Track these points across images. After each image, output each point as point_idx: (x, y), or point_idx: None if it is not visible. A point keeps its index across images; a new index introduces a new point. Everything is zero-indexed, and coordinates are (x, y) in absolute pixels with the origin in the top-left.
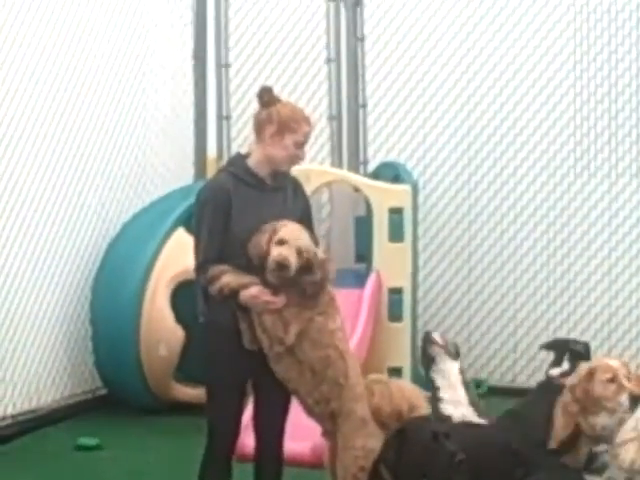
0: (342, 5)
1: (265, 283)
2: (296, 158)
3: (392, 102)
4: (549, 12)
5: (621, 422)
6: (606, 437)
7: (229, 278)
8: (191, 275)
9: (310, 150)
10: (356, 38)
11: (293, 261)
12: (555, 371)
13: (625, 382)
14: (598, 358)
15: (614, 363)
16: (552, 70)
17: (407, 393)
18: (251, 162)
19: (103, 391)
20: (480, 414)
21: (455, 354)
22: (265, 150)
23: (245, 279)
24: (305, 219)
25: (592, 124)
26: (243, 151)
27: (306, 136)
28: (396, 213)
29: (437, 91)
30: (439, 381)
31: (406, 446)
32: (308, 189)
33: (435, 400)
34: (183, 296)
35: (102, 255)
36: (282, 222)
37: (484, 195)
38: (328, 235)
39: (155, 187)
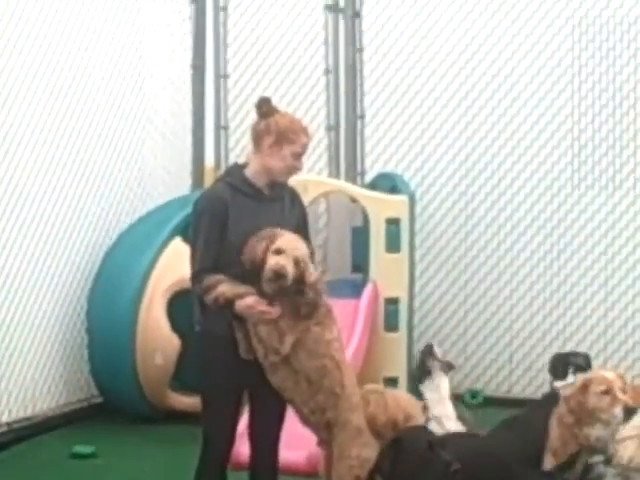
0: (341, 16)
1: (261, 293)
2: (294, 169)
3: (390, 113)
4: (547, 25)
5: (615, 434)
6: (601, 448)
7: (225, 288)
8: (187, 284)
9: (308, 161)
10: (354, 49)
11: (290, 271)
12: (560, 383)
13: (619, 394)
14: (594, 370)
15: (609, 375)
16: (550, 82)
17: (402, 403)
18: (249, 172)
19: (99, 399)
20: (469, 429)
21: (447, 369)
22: (263, 160)
23: (241, 289)
24: (302, 229)
25: (590, 136)
26: (241, 161)
27: (304, 147)
28: (393, 224)
29: (435, 102)
30: (428, 394)
31: (401, 456)
32: (305, 199)
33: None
34: (179, 305)
35: (99, 264)
36: (279, 231)
37: (481, 206)
38: (325, 245)
39: (152, 196)
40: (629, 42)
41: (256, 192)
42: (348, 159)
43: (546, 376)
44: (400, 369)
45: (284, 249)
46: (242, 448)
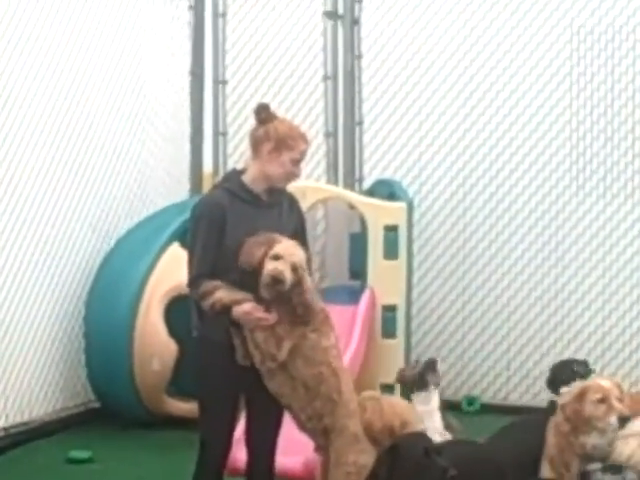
0: (340, 23)
1: (258, 299)
2: (292, 175)
3: (388, 120)
4: (546, 33)
5: (612, 442)
6: (598, 456)
7: (222, 294)
8: (185, 290)
9: (306, 167)
10: (353, 56)
11: (288, 276)
12: (565, 389)
13: (615, 403)
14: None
15: (606, 383)
16: (549, 90)
17: (399, 409)
18: (247, 178)
19: (96, 404)
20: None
21: (438, 384)
22: (262, 167)
23: (238, 295)
24: (300, 235)
25: (588, 144)
26: (239, 167)
27: (303, 153)
28: (391, 230)
29: (433, 109)
30: (419, 407)
31: (398, 462)
32: (304, 206)
33: None
34: (177, 311)
35: (97, 269)
36: (277, 237)
37: (479, 213)
38: (323, 251)
39: (150, 202)
40: (627, 50)
41: (254, 198)
42: (346, 166)
43: (543, 384)
44: None
45: (282, 255)
46: (239, 454)
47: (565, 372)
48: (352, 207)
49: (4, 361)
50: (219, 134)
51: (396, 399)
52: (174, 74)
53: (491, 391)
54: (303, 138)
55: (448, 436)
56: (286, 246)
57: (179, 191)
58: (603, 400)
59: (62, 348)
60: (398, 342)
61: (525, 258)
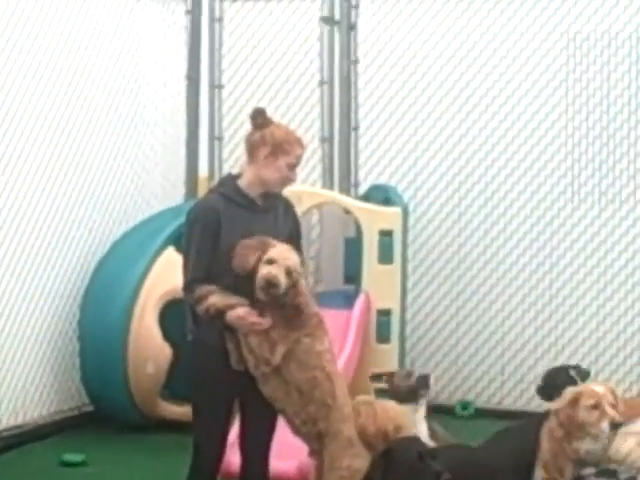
0: (336, 29)
1: (252, 304)
2: (288, 180)
3: (384, 125)
4: (543, 39)
5: (605, 447)
6: (591, 461)
7: (216, 298)
8: (180, 294)
9: (302, 172)
10: (349, 61)
11: (282, 280)
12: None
13: (607, 409)
14: (585, 383)
15: (599, 389)
16: (544, 96)
17: (392, 414)
18: (242, 183)
19: (89, 408)
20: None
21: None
22: (258, 171)
23: (232, 300)
24: (294, 239)
25: (583, 150)
26: (234, 172)
27: (299, 158)
28: (386, 235)
29: (429, 115)
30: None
31: (392, 466)
32: (299, 210)
33: None
34: (171, 314)
35: (91, 272)
36: (271, 241)
37: (474, 219)
38: (318, 256)
39: (146, 206)
40: (623, 57)
41: (249, 203)
42: (342, 171)
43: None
44: None
45: (276, 259)
46: (233, 458)
47: (561, 377)
48: (347, 212)
49: None
50: (215, 138)
51: (390, 403)
52: (170, 78)
53: (485, 395)
54: (299, 143)
55: (432, 444)
56: (280, 250)
57: (174, 195)
58: (596, 406)
59: (56, 351)
60: (392, 347)
61: (520, 263)
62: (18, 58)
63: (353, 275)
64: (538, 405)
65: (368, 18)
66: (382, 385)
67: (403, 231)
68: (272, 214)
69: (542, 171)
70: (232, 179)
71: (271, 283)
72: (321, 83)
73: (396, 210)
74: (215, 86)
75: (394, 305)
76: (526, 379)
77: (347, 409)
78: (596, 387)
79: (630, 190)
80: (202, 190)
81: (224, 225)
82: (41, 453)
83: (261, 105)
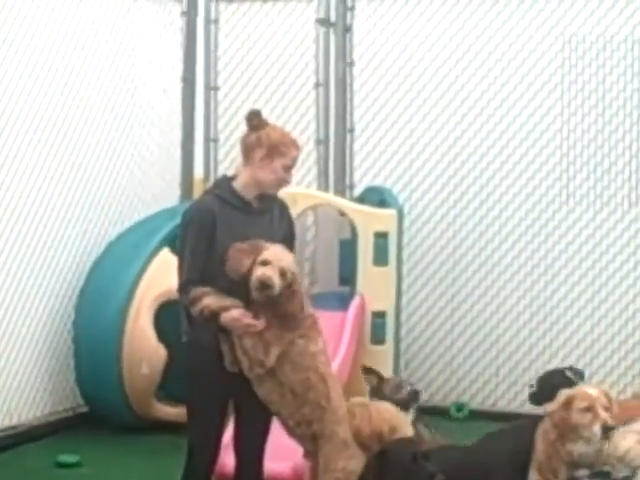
0: (332, 30)
1: (246, 306)
2: (284, 181)
3: (379, 127)
4: (538, 41)
5: (599, 450)
6: (584, 463)
7: (210, 300)
8: (175, 295)
9: (297, 174)
10: (345, 63)
11: (277, 281)
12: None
13: (600, 411)
14: (579, 386)
15: (593, 392)
16: (540, 99)
17: (387, 415)
18: (237, 185)
19: (84, 409)
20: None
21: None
22: (254, 173)
23: (226, 302)
24: (288, 241)
25: (579, 152)
26: (230, 174)
27: (294, 160)
28: (381, 237)
29: (424, 117)
30: None
31: (387, 468)
32: (294, 212)
33: None
34: (166, 316)
35: (86, 273)
36: (265, 244)
37: (469, 221)
38: (313, 258)
39: (141, 207)
40: (619, 60)
41: (244, 204)
42: (337, 172)
43: None
44: None
45: (270, 260)
46: (227, 459)
47: (557, 379)
48: (342, 214)
49: None
50: (210, 140)
51: (384, 405)
52: (166, 80)
53: (480, 397)
54: (295, 145)
55: None
56: (274, 251)
57: (170, 196)
58: (589, 409)
59: (51, 352)
60: (387, 348)
61: (515, 265)
62: (14, 58)
63: (348, 277)
64: (532, 407)
65: (364, 20)
66: (372, 383)
67: (398, 233)
68: (267, 216)
69: (537, 174)
70: (227, 181)
71: (265, 284)
72: (317, 85)
73: (391, 212)
74: (211, 88)
75: (389, 307)
76: (520, 381)
77: (342, 411)
78: (590, 390)
79: (625, 193)
80: (197, 192)
81: (219, 227)
82: (36, 454)
83: (257, 107)
